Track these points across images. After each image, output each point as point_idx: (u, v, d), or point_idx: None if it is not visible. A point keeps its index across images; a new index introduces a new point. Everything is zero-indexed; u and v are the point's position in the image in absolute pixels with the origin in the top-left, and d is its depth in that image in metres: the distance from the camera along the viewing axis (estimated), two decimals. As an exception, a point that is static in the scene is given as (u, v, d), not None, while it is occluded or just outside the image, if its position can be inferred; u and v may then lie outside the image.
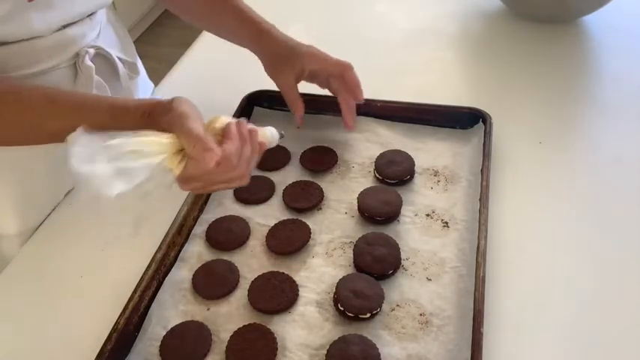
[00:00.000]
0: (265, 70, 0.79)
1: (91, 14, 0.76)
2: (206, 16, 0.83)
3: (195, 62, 1.06)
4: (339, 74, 0.77)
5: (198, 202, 0.75)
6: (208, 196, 0.77)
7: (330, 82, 0.79)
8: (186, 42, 1.13)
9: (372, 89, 0.82)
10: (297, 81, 0.78)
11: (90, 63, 0.74)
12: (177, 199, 0.73)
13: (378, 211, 0.70)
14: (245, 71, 0.85)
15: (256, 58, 0.82)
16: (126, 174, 0.50)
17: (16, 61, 0.67)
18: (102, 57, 0.78)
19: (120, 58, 0.81)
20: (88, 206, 0.79)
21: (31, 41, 0.67)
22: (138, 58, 0.91)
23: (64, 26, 0.71)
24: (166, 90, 0.98)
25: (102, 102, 0.60)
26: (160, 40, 2.84)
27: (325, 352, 0.58)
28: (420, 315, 0.61)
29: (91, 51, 0.75)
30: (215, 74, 1.00)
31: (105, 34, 0.80)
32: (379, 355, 0.57)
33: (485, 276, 0.61)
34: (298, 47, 0.77)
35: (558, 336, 0.59)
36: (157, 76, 1.01)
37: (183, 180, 0.57)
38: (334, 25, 1.16)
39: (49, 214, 0.78)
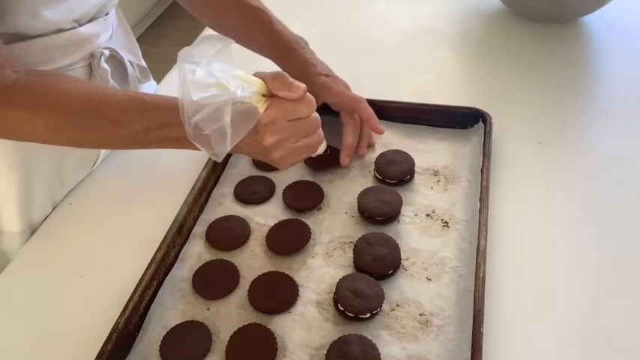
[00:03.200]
0: None
1: (105, 14, 0.76)
2: (241, 33, 0.83)
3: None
4: (351, 110, 0.79)
5: (198, 202, 0.75)
6: (208, 196, 0.77)
7: (342, 115, 0.80)
8: (186, 42, 1.13)
9: (372, 89, 0.82)
10: None
11: (105, 66, 0.75)
12: (177, 199, 0.73)
13: (378, 211, 0.70)
14: (244, 72, 0.85)
15: (257, 58, 0.82)
16: (232, 85, 0.54)
17: (30, 59, 0.67)
18: (114, 59, 0.79)
19: (130, 62, 0.82)
20: (87, 206, 0.80)
21: (45, 38, 0.67)
22: (144, 62, 0.91)
23: (79, 24, 0.71)
24: (166, 90, 0.98)
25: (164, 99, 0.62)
26: (159, 40, 2.84)
27: (325, 352, 0.58)
28: (420, 315, 0.61)
29: (106, 52, 0.76)
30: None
31: (117, 37, 0.81)
32: (379, 355, 0.57)
33: (485, 276, 0.61)
34: (316, 77, 0.78)
35: (558, 336, 0.59)
36: (157, 76, 1.01)
37: (266, 125, 0.59)
38: (334, 25, 1.16)
39: (49, 214, 0.78)
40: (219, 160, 0.57)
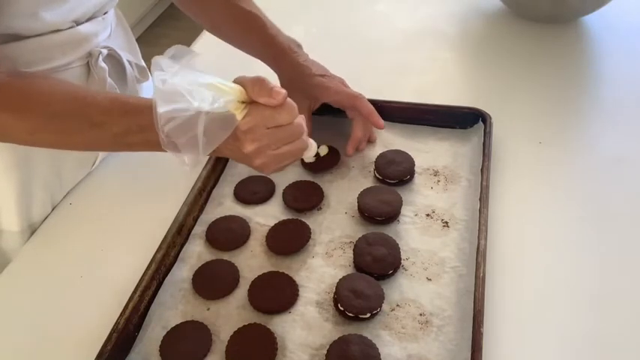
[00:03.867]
0: None
1: (104, 13, 0.76)
2: (236, 37, 0.84)
3: (195, 63, 1.06)
4: (351, 106, 0.79)
5: (198, 202, 0.75)
6: (208, 196, 0.77)
7: (347, 111, 0.80)
8: (185, 43, 1.13)
9: (372, 89, 0.82)
10: (311, 110, 0.80)
11: (103, 64, 0.75)
12: (177, 199, 0.73)
13: (378, 211, 0.70)
14: (245, 72, 0.85)
15: (256, 59, 0.82)
16: (201, 98, 0.52)
17: (29, 57, 0.67)
18: (112, 58, 0.79)
19: (129, 61, 0.82)
20: (87, 206, 0.80)
21: (43, 37, 0.67)
22: (143, 61, 0.91)
23: (78, 24, 0.71)
24: (166, 90, 0.98)
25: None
26: (159, 40, 2.84)
27: (325, 352, 0.58)
28: (420, 315, 0.61)
29: (104, 51, 0.76)
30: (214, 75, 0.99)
31: (116, 36, 0.81)
32: (379, 355, 0.57)
33: (485, 276, 0.61)
34: (312, 78, 0.78)
35: (558, 336, 0.59)
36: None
37: (246, 132, 0.58)
38: (334, 25, 1.16)
39: (49, 214, 0.78)
40: (191, 169, 0.56)
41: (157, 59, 0.52)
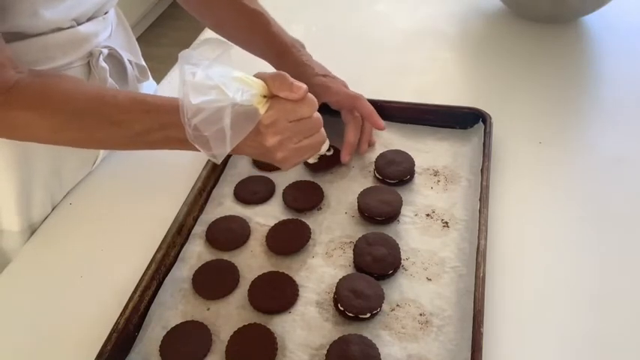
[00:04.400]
0: None
1: (105, 13, 0.76)
2: (240, 35, 0.84)
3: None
4: (351, 107, 0.79)
5: (198, 202, 0.75)
6: (208, 196, 0.77)
7: (342, 114, 0.80)
8: (186, 42, 1.13)
9: (372, 89, 0.82)
10: None
11: (104, 64, 0.75)
12: (177, 199, 0.73)
13: (378, 211, 0.70)
14: (244, 72, 0.85)
15: (256, 58, 0.82)
16: (231, 89, 0.54)
17: (29, 57, 0.67)
18: (113, 58, 0.79)
19: (130, 61, 0.82)
20: (87, 206, 0.80)
21: (44, 36, 0.67)
22: (143, 61, 0.92)
23: (78, 23, 0.71)
24: (166, 90, 0.98)
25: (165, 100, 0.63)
26: (159, 40, 2.84)
27: (325, 352, 0.58)
28: (420, 315, 0.61)
29: (105, 51, 0.76)
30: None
31: (116, 36, 0.81)
32: (379, 355, 0.57)
33: (485, 276, 0.61)
34: (314, 78, 0.78)
35: (558, 336, 0.59)
36: (157, 76, 1.01)
37: (268, 126, 0.59)
38: (334, 25, 1.16)
39: (49, 214, 0.78)
40: (219, 161, 0.57)
41: (186, 52, 0.54)
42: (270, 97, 0.60)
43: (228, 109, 0.54)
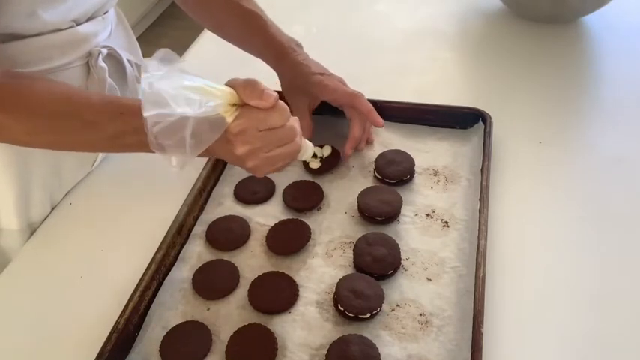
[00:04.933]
0: (282, 90, 0.80)
1: (104, 13, 0.76)
2: (237, 36, 0.84)
3: (195, 63, 1.06)
4: (349, 104, 0.79)
5: (198, 202, 0.75)
6: (208, 196, 0.77)
7: (345, 110, 0.80)
8: (186, 42, 1.13)
9: (372, 89, 0.82)
10: (311, 108, 0.80)
11: (103, 64, 0.75)
12: (177, 199, 0.73)
13: (378, 211, 0.70)
14: (244, 72, 0.85)
15: (256, 59, 0.82)
16: (187, 102, 0.52)
17: (28, 57, 0.67)
18: (112, 58, 0.78)
19: (129, 61, 0.82)
20: (87, 206, 0.80)
21: (43, 36, 0.67)
22: (144, 61, 0.92)
23: (77, 24, 0.71)
24: (166, 90, 0.98)
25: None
26: (159, 40, 2.84)
27: (325, 352, 0.58)
28: (420, 315, 0.61)
29: (104, 51, 0.76)
30: (214, 75, 0.99)
31: (116, 36, 0.81)
32: (379, 355, 0.57)
33: (485, 276, 0.61)
34: (311, 77, 0.78)
35: (558, 336, 0.59)
36: (156, 76, 1.01)
37: (237, 135, 0.58)
38: (334, 25, 1.16)
39: (49, 214, 0.78)
40: (179, 170, 0.55)
41: (145, 62, 0.52)
42: (241, 105, 0.58)
43: (188, 120, 0.52)
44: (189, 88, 0.53)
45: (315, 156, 0.78)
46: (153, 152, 0.61)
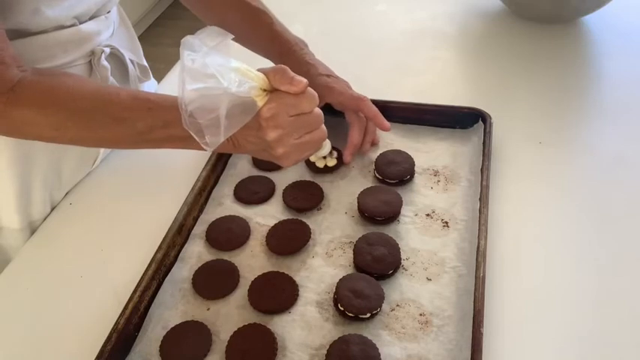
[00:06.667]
0: None
1: (107, 12, 0.77)
2: (243, 34, 0.83)
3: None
4: (355, 109, 0.79)
5: (198, 202, 0.75)
6: (208, 196, 0.77)
7: (346, 114, 0.80)
8: (186, 42, 1.13)
9: (372, 89, 0.82)
10: None
11: (106, 63, 0.75)
12: (177, 199, 0.73)
13: (378, 211, 0.70)
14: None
15: (257, 58, 0.82)
16: (227, 80, 0.54)
17: (31, 55, 0.67)
18: (115, 57, 0.79)
19: (131, 61, 0.82)
20: (87, 206, 0.80)
21: (46, 34, 0.68)
22: (145, 61, 0.92)
23: (80, 22, 0.72)
24: (166, 90, 0.98)
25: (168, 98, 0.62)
26: (160, 40, 2.84)
27: (325, 352, 0.58)
28: (420, 315, 0.61)
29: (107, 50, 0.76)
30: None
31: (118, 35, 0.81)
32: (379, 355, 0.57)
33: (485, 276, 0.61)
34: (317, 78, 0.78)
35: (558, 336, 0.59)
36: (157, 76, 1.01)
37: (268, 119, 0.59)
38: (334, 25, 1.16)
39: (50, 214, 0.79)
40: (211, 149, 0.56)
41: (187, 39, 0.53)
42: (271, 91, 0.59)
43: (224, 98, 0.54)
44: (229, 68, 0.54)
45: (332, 154, 0.78)
46: (180, 147, 0.63)
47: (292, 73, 0.59)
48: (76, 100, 0.61)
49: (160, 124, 0.61)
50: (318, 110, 0.62)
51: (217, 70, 0.53)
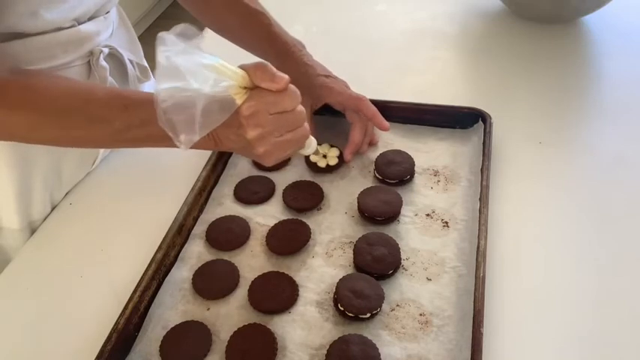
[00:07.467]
0: None
1: (106, 13, 0.76)
2: (241, 35, 0.84)
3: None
4: (354, 108, 0.78)
5: (198, 202, 0.75)
6: (208, 196, 0.77)
7: (347, 114, 0.80)
8: (186, 42, 1.13)
9: (372, 89, 0.82)
10: (312, 109, 0.80)
11: (104, 63, 0.75)
12: (177, 199, 0.73)
13: (378, 211, 0.70)
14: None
15: (255, 59, 0.82)
16: (202, 79, 0.52)
17: (30, 56, 0.67)
18: (114, 57, 0.79)
19: (131, 61, 0.82)
20: (87, 206, 0.80)
21: (45, 35, 0.67)
22: (145, 61, 0.92)
23: (79, 23, 0.72)
24: (166, 90, 0.98)
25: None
26: (160, 40, 2.84)
27: (325, 352, 0.58)
28: (420, 315, 0.61)
29: (105, 50, 0.76)
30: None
31: (118, 35, 0.81)
32: (379, 355, 0.57)
33: (485, 276, 0.61)
34: (316, 78, 0.78)
35: (558, 336, 0.59)
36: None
37: (248, 117, 0.57)
38: (334, 25, 1.16)
39: (50, 214, 0.79)
40: (186, 148, 0.54)
41: (162, 35, 0.51)
42: (252, 88, 0.58)
43: (200, 97, 0.52)
44: (205, 66, 0.53)
45: (317, 153, 0.77)
46: (160, 146, 0.61)
47: (274, 70, 0.57)
48: (51, 99, 0.60)
49: (137, 123, 0.59)
50: (300, 108, 0.61)
51: (190, 69, 0.51)
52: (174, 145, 0.58)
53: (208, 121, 0.54)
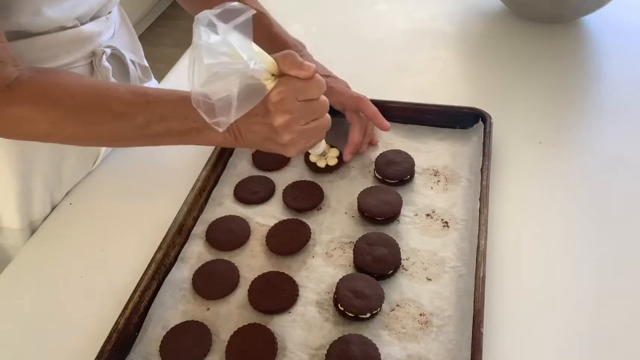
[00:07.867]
0: None
1: (108, 13, 0.77)
2: None
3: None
4: (354, 108, 0.79)
5: (198, 202, 0.75)
6: (208, 196, 0.77)
7: (346, 114, 0.80)
8: (186, 42, 1.13)
9: (372, 89, 0.82)
10: None
11: (107, 64, 0.76)
12: (177, 199, 0.73)
13: (378, 211, 0.70)
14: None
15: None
16: (246, 55, 0.53)
17: (33, 56, 0.67)
18: (116, 58, 0.79)
19: (132, 61, 0.82)
20: (87, 206, 0.80)
21: (48, 35, 0.68)
22: (146, 61, 0.92)
23: (81, 23, 0.72)
24: (166, 90, 0.98)
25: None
26: (160, 40, 2.84)
27: (325, 352, 0.58)
28: (420, 315, 0.61)
29: (108, 51, 0.76)
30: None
31: (119, 36, 0.82)
32: (379, 355, 0.57)
33: (485, 276, 0.61)
34: None
35: (558, 336, 0.59)
36: (157, 76, 1.01)
37: (277, 103, 0.58)
38: (334, 25, 1.16)
39: (50, 214, 0.79)
40: (222, 129, 0.54)
41: (205, 13, 0.51)
42: (279, 76, 0.59)
43: (237, 77, 0.53)
44: (240, 48, 0.53)
45: (325, 153, 0.78)
46: (179, 143, 0.62)
47: (301, 59, 0.58)
48: (74, 95, 0.61)
49: (157, 118, 0.61)
50: (324, 97, 0.62)
51: (238, 46, 0.52)
52: (193, 142, 0.58)
53: (241, 105, 0.54)
